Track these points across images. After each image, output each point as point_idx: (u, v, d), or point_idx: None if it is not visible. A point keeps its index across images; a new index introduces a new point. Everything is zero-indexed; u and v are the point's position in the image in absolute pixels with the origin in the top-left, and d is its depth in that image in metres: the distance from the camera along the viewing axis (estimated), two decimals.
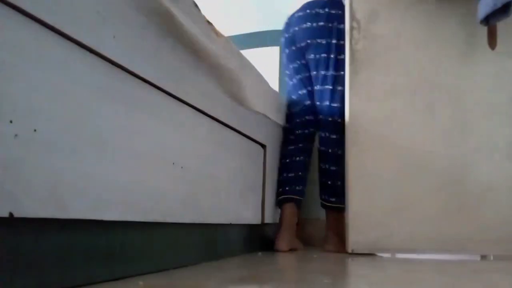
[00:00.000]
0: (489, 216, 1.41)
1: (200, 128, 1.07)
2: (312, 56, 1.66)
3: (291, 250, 1.57)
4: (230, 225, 1.25)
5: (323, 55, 1.63)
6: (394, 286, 0.83)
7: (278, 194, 1.65)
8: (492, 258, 1.40)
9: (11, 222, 0.54)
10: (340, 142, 1.55)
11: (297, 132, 1.71)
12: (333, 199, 1.61)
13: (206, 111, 1.08)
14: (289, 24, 1.75)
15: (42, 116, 0.59)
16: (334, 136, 1.61)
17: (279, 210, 1.65)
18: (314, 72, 1.67)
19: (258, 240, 1.51)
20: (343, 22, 1.57)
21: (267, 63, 2.18)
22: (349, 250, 1.41)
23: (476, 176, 1.44)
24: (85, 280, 0.68)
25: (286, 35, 1.75)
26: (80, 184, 0.65)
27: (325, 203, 1.64)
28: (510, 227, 1.39)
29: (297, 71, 1.73)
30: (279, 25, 2.27)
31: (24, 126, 0.56)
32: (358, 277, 1.01)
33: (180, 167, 0.95)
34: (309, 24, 1.65)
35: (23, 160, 0.56)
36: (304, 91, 1.72)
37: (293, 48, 1.72)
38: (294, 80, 1.75)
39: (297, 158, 1.67)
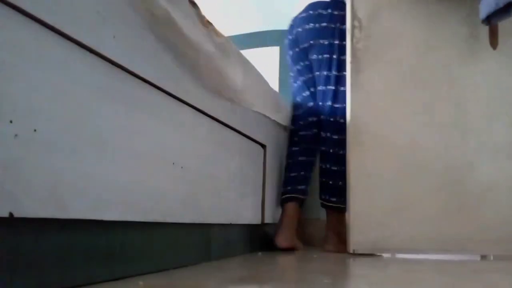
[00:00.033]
0: (489, 216, 1.41)
1: (200, 128, 1.07)
2: (315, 56, 1.67)
3: (291, 249, 1.56)
4: (230, 225, 1.25)
5: (326, 55, 1.64)
6: (394, 286, 0.83)
7: (281, 193, 1.66)
8: (492, 258, 1.40)
9: (11, 222, 0.54)
10: (341, 142, 1.55)
11: (300, 133, 1.72)
12: (334, 199, 1.61)
13: (206, 111, 1.08)
14: (292, 25, 1.76)
15: (42, 116, 0.59)
16: (335, 136, 1.61)
17: (279, 210, 1.65)
18: (317, 73, 1.68)
19: (258, 240, 1.51)
20: (346, 23, 1.57)
21: (267, 63, 2.18)
22: (350, 250, 1.41)
23: (477, 176, 1.44)
24: (85, 280, 0.68)
25: (290, 37, 1.76)
26: (80, 184, 0.65)
27: (325, 203, 1.64)
28: (510, 227, 1.39)
29: (300, 72, 1.74)
30: (279, 25, 2.28)
31: (24, 126, 0.56)
32: (358, 277, 1.01)
33: (180, 167, 0.95)
34: (311, 25, 1.66)
35: (23, 160, 0.56)
36: (308, 92, 1.73)
37: (297, 49, 1.73)
38: (298, 82, 1.76)
39: (300, 158, 1.69)
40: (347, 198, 1.46)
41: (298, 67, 1.74)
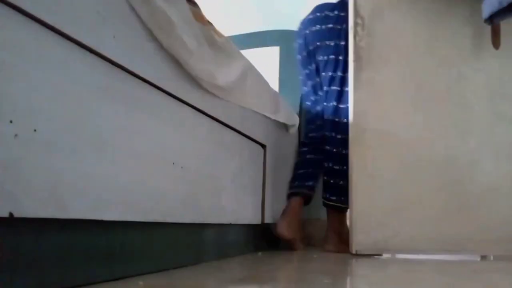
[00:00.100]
0: (490, 216, 1.41)
1: (200, 128, 1.07)
2: (321, 58, 1.68)
3: (291, 241, 1.56)
4: (230, 225, 1.25)
5: (332, 56, 1.65)
6: (394, 286, 0.83)
7: (288, 189, 1.70)
8: (492, 258, 1.40)
9: (11, 222, 0.54)
10: (345, 142, 1.55)
11: (310, 135, 1.77)
12: (334, 198, 1.61)
13: (206, 111, 1.08)
14: (301, 28, 1.78)
15: (42, 116, 0.59)
16: (339, 136, 1.62)
17: (279, 210, 1.65)
18: (323, 73, 1.69)
19: (258, 240, 1.51)
20: None
21: (267, 63, 2.18)
22: (353, 251, 1.39)
23: (478, 176, 1.44)
24: (85, 280, 0.68)
25: (300, 41, 1.78)
26: (80, 184, 0.65)
27: (326, 201, 1.64)
28: (510, 227, 1.39)
29: (309, 76, 1.77)
30: (279, 25, 2.28)
31: (24, 126, 0.56)
32: (358, 277, 1.01)
33: (180, 167, 0.95)
34: (318, 26, 1.68)
35: (23, 160, 0.56)
36: (317, 97, 1.76)
37: (305, 53, 1.75)
38: (307, 87, 1.79)
39: (308, 157, 1.72)
40: (349, 198, 1.45)
41: (307, 71, 1.76)
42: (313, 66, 1.73)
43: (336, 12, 1.66)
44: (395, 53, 1.50)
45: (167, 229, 0.92)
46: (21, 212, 0.55)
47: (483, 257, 1.41)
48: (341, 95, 1.63)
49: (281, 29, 2.27)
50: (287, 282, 0.89)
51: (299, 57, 1.80)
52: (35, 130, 0.57)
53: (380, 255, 1.41)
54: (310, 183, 1.67)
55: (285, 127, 1.80)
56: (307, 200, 1.67)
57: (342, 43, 1.62)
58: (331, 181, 1.62)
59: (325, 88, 1.68)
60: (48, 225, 0.61)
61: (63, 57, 0.63)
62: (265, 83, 1.55)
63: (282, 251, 1.58)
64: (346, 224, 1.66)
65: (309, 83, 1.77)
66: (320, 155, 1.72)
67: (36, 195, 0.57)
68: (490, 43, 1.45)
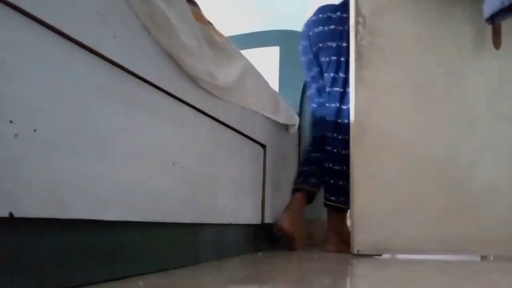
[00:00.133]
0: (490, 216, 1.41)
1: (200, 128, 1.07)
2: (323, 59, 1.69)
3: (291, 236, 1.56)
4: (230, 225, 1.25)
5: (334, 58, 1.65)
6: (394, 286, 0.83)
7: (293, 185, 1.72)
8: (492, 258, 1.40)
9: (11, 222, 0.54)
10: (346, 143, 1.55)
11: (315, 135, 1.79)
12: (334, 198, 1.61)
13: (206, 111, 1.08)
14: (305, 30, 1.78)
15: (42, 116, 0.59)
16: (340, 137, 1.62)
17: (279, 210, 1.65)
18: (325, 74, 1.70)
19: (258, 240, 1.51)
20: None
21: (267, 63, 2.18)
22: (355, 251, 1.38)
23: (477, 176, 1.43)
24: (85, 280, 0.68)
25: (304, 43, 1.78)
26: (80, 184, 0.65)
27: (326, 201, 1.65)
28: (510, 227, 1.39)
29: (313, 79, 1.78)
30: (279, 25, 2.28)
31: (24, 126, 0.56)
32: (359, 277, 1.01)
33: (180, 167, 0.95)
34: (320, 28, 1.69)
35: (23, 160, 0.56)
36: (321, 99, 1.76)
37: (310, 55, 1.75)
38: (312, 90, 1.80)
39: (313, 155, 1.73)
40: (351, 198, 1.44)
41: (312, 73, 1.77)
42: (318, 68, 1.74)
43: (338, 14, 1.66)
44: (396, 52, 1.50)
45: (167, 229, 0.92)
46: (21, 212, 0.55)
47: (483, 257, 1.41)
48: (344, 96, 1.63)
49: (281, 29, 2.27)
50: (287, 282, 0.89)
51: (304, 59, 1.80)
52: (35, 130, 0.57)
53: (380, 255, 1.41)
54: (313, 180, 1.67)
55: (285, 127, 1.80)
56: (310, 197, 1.68)
57: (344, 44, 1.61)
58: (331, 181, 1.63)
59: (327, 89, 1.68)
60: (48, 225, 0.61)
61: (63, 57, 0.63)
62: (265, 83, 1.55)
63: (282, 251, 1.58)
64: (346, 224, 1.66)
65: (314, 86, 1.78)
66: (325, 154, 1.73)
67: (36, 195, 0.57)
68: (491, 43, 1.45)
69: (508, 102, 1.47)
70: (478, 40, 1.48)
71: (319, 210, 1.77)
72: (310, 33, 1.72)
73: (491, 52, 1.45)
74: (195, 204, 1.03)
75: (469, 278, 0.97)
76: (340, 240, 1.58)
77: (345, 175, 1.53)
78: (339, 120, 1.63)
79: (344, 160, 1.55)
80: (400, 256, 1.41)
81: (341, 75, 1.63)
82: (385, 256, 1.41)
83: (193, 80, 1.01)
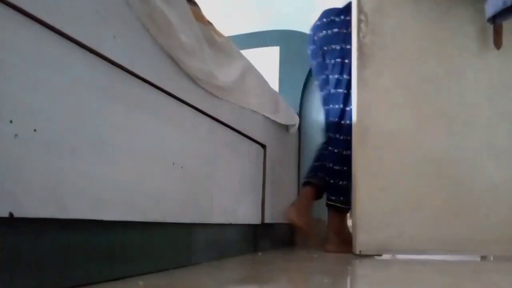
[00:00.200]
0: (490, 216, 1.40)
1: (200, 128, 1.07)
2: (328, 61, 1.71)
3: (300, 227, 1.59)
4: (230, 225, 1.25)
5: (338, 60, 1.67)
6: (394, 286, 0.83)
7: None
8: (492, 258, 1.40)
9: (11, 222, 0.54)
10: (347, 143, 1.55)
11: (329, 135, 1.78)
12: (334, 198, 1.62)
13: (206, 111, 1.08)
14: (310, 34, 1.80)
15: (42, 116, 0.59)
16: (342, 137, 1.62)
17: (279, 211, 1.66)
18: (330, 76, 1.71)
19: (258, 240, 1.51)
20: None
21: (267, 63, 2.18)
22: (357, 251, 1.38)
23: (478, 176, 1.43)
24: (85, 280, 0.68)
25: (311, 47, 1.80)
26: (80, 184, 0.65)
27: (327, 201, 1.65)
28: (511, 227, 1.39)
29: (325, 82, 1.78)
30: (279, 25, 2.28)
31: (24, 126, 0.56)
32: (359, 277, 1.01)
33: (180, 167, 0.95)
34: (324, 32, 1.71)
35: (23, 160, 0.56)
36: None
37: (320, 59, 1.76)
38: (322, 94, 1.80)
39: (325, 152, 1.74)
40: (352, 198, 1.43)
41: (324, 76, 1.77)
42: (326, 72, 1.75)
43: (342, 17, 1.67)
44: (398, 50, 1.49)
45: (167, 229, 0.92)
46: (21, 212, 0.55)
47: (483, 257, 1.41)
48: (347, 98, 1.63)
49: (281, 29, 2.27)
50: (287, 282, 0.89)
51: (314, 62, 1.81)
52: (35, 130, 0.57)
53: (380, 255, 1.41)
54: (323, 175, 1.68)
55: (285, 127, 1.80)
56: (319, 192, 1.69)
57: (348, 46, 1.61)
58: (331, 181, 1.63)
59: (332, 90, 1.69)
60: (48, 225, 0.61)
61: (63, 57, 0.63)
62: (265, 83, 1.54)
63: (282, 251, 1.58)
64: (346, 224, 1.66)
65: (327, 87, 1.78)
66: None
67: (36, 195, 0.57)
68: (492, 43, 1.45)
69: (509, 102, 1.46)
70: (480, 40, 1.48)
71: (319, 210, 1.77)
72: (316, 38, 1.75)
73: (492, 51, 1.45)
74: (195, 204, 1.03)
75: (469, 278, 0.97)
76: (340, 240, 1.58)
77: (346, 175, 1.53)
78: (342, 122, 1.64)
79: (345, 160, 1.56)
80: (401, 256, 1.41)
81: (345, 76, 1.64)
82: (385, 256, 1.41)
83: (193, 80, 1.01)
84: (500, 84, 1.48)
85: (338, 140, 1.64)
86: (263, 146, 1.53)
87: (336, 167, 1.62)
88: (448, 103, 1.47)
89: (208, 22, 1.14)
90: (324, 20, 1.72)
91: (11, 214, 0.53)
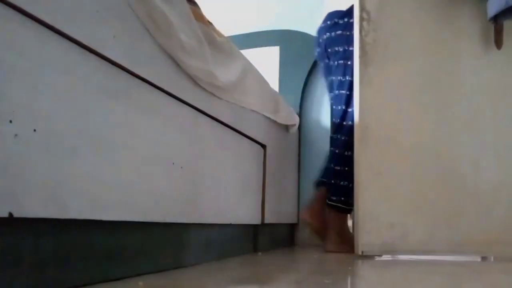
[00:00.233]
0: (492, 217, 1.40)
1: (200, 128, 1.07)
2: (332, 63, 1.72)
3: (313, 228, 1.60)
4: (230, 225, 1.25)
5: (341, 61, 1.67)
6: (394, 286, 0.83)
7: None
8: (492, 259, 1.40)
9: (11, 222, 0.54)
10: (348, 144, 1.55)
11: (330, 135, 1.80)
12: (335, 198, 1.62)
13: (206, 111, 1.08)
14: (316, 37, 1.81)
15: (42, 116, 0.59)
16: (343, 138, 1.63)
17: (279, 210, 1.66)
18: (333, 78, 1.72)
19: (258, 240, 1.51)
20: None
21: (267, 63, 2.18)
22: (359, 252, 1.36)
23: (481, 177, 1.42)
24: (85, 280, 0.68)
25: (318, 50, 1.81)
26: (80, 184, 0.65)
27: (327, 201, 1.65)
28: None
29: (329, 88, 1.80)
30: (279, 25, 2.28)
31: (24, 126, 0.56)
32: (359, 278, 1.01)
33: (180, 167, 0.95)
34: (328, 34, 1.72)
35: (23, 160, 0.56)
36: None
37: (327, 60, 1.77)
38: (331, 95, 1.79)
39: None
40: (355, 198, 1.42)
41: (330, 78, 1.77)
42: (331, 76, 1.76)
43: (345, 20, 1.68)
44: (401, 49, 1.48)
45: (167, 229, 0.92)
46: (21, 212, 0.55)
47: (484, 258, 1.41)
48: (349, 99, 1.63)
49: (281, 29, 2.27)
50: (287, 282, 0.89)
51: (322, 64, 1.83)
52: (35, 130, 0.57)
53: (380, 255, 1.41)
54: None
55: (285, 127, 1.80)
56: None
57: (351, 48, 1.61)
58: (332, 182, 1.64)
59: (335, 91, 1.70)
60: (48, 225, 0.61)
61: (63, 57, 0.63)
62: (265, 83, 1.54)
63: (282, 251, 1.58)
64: (347, 225, 1.66)
65: (331, 94, 1.79)
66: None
67: (36, 195, 0.57)
68: (493, 42, 1.44)
69: (511, 102, 1.46)
70: (481, 39, 1.48)
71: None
72: (320, 40, 1.76)
73: (493, 51, 1.45)
74: (195, 204, 1.03)
75: (470, 278, 0.97)
76: (341, 240, 1.58)
77: (347, 175, 1.53)
78: (344, 122, 1.65)
79: (346, 161, 1.56)
80: (401, 257, 1.41)
81: (348, 78, 1.64)
82: (386, 257, 1.41)
83: (193, 80, 1.01)
84: (502, 83, 1.47)
85: (339, 141, 1.64)
86: (263, 146, 1.53)
87: (338, 168, 1.63)
88: (450, 102, 1.46)
89: (208, 22, 1.14)
90: (328, 22, 1.73)
91: (10, 214, 0.53)
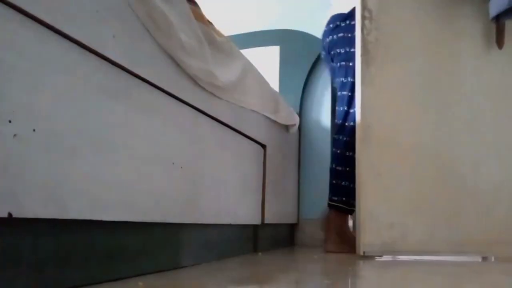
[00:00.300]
0: (493, 217, 1.40)
1: (200, 128, 1.07)
2: (334, 65, 1.73)
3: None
4: (230, 225, 1.25)
5: (343, 63, 1.68)
6: (394, 286, 0.83)
7: None
8: (493, 259, 1.40)
9: (11, 222, 0.54)
10: (350, 144, 1.54)
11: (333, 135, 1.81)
12: (336, 198, 1.62)
13: (206, 111, 1.08)
14: (321, 40, 1.82)
15: (42, 116, 0.59)
16: (345, 139, 1.63)
17: (279, 210, 1.66)
18: (336, 79, 1.73)
19: (258, 240, 1.51)
20: None
21: (267, 63, 2.18)
22: (361, 252, 1.36)
23: (482, 177, 1.42)
24: (85, 280, 0.68)
25: (323, 52, 1.83)
26: (80, 184, 0.65)
27: (328, 201, 1.65)
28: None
29: (333, 89, 1.82)
30: (279, 25, 2.28)
31: (23, 126, 0.56)
32: (359, 278, 1.00)
33: (180, 167, 0.95)
34: (330, 37, 1.73)
35: (23, 160, 0.55)
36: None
37: (331, 63, 1.79)
38: (338, 94, 1.79)
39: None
40: (357, 198, 1.41)
41: (336, 79, 1.77)
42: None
43: (347, 22, 1.68)
44: (401, 48, 1.48)
45: (167, 229, 0.92)
46: (20, 212, 0.55)
47: (484, 258, 1.41)
48: (351, 100, 1.63)
49: (281, 28, 2.27)
50: (287, 282, 0.89)
51: (328, 66, 1.85)
52: (34, 130, 0.57)
53: (381, 256, 1.40)
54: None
55: (285, 127, 1.80)
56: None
57: (352, 49, 1.61)
58: (333, 182, 1.64)
59: (338, 93, 1.71)
60: (48, 225, 0.61)
61: (63, 57, 0.63)
62: (265, 83, 1.54)
63: (282, 251, 1.58)
64: (348, 225, 1.66)
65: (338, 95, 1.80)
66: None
67: (36, 195, 0.57)
68: (495, 41, 1.44)
69: None
70: (482, 39, 1.48)
71: (319, 210, 1.77)
72: (324, 43, 1.77)
73: (495, 50, 1.45)
74: (195, 204, 1.03)
75: (470, 278, 0.97)
76: (341, 240, 1.58)
77: (348, 176, 1.53)
78: (346, 123, 1.65)
79: (348, 161, 1.56)
80: (401, 257, 1.41)
81: (350, 79, 1.65)
82: (386, 257, 1.41)
83: (193, 80, 1.01)
84: (502, 84, 1.48)
85: (341, 141, 1.65)
86: (263, 146, 1.53)
87: (339, 168, 1.63)
88: (450, 102, 1.46)
89: (208, 22, 1.14)
90: (331, 25, 1.75)
91: (10, 214, 0.53)
